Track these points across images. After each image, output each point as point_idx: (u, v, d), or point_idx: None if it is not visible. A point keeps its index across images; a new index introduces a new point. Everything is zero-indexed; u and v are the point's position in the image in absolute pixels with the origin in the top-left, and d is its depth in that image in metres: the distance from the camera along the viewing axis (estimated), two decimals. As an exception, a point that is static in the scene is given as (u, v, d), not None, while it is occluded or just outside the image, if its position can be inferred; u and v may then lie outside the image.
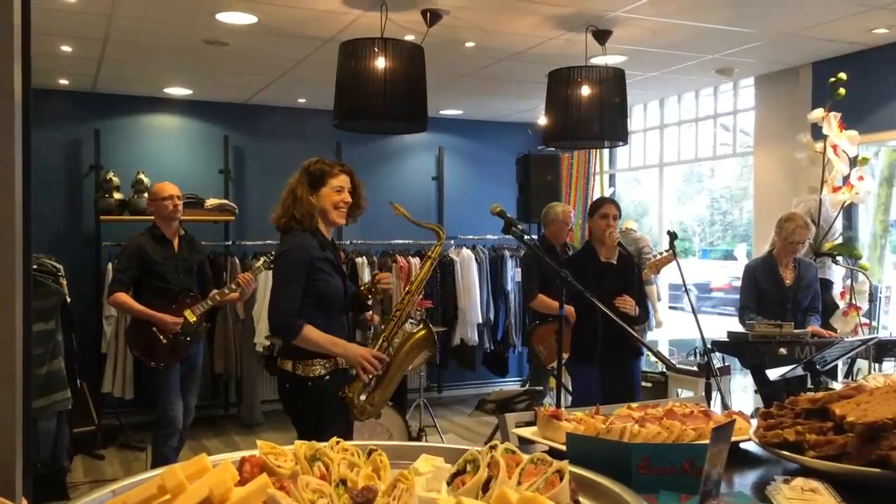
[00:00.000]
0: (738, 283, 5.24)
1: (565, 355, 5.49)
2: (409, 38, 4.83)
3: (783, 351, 4.32)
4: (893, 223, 5.99)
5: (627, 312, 4.20)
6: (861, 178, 5.20)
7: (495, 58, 5.77)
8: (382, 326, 3.25)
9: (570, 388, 4.97)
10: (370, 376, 3.10)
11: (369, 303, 3.42)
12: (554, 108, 5.14)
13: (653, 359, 6.16)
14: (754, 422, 1.73)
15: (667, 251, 5.46)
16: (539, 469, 1.14)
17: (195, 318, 4.50)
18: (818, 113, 5.22)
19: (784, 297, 4.72)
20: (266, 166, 7.47)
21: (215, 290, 4.63)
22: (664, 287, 7.57)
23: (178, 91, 6.94)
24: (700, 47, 5.52)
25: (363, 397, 3.12)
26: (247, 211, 7.35)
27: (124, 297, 4.44)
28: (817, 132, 5.31)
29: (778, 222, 4.81)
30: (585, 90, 4.97)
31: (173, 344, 4.46)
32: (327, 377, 3.07)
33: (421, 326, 3.25)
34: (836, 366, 4.52)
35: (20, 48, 0.82)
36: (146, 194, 6.55)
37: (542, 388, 5.29)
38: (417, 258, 7.34)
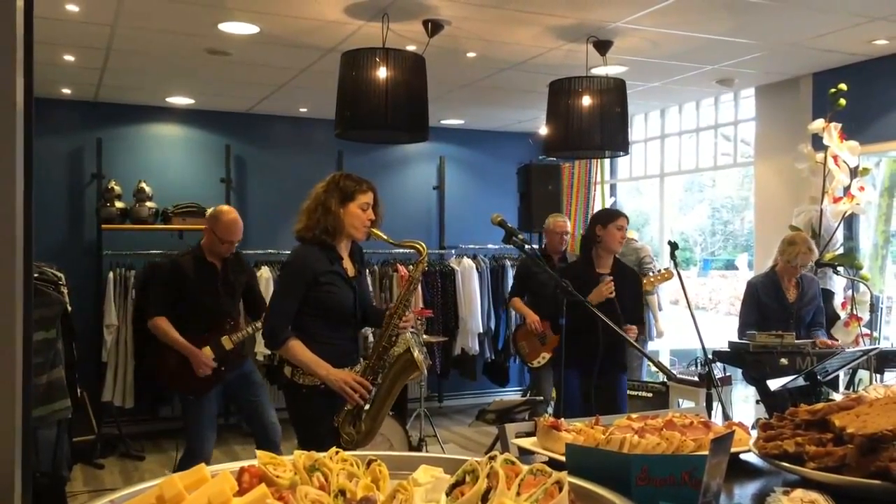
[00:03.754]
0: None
1: (546, 355, 5.59)
2: (411, 48, 4.85)
3: (784, 361, 4.31)
4: (894, 233, 5.99)
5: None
6: (862, 188, 5.21)
7: (496, 68, 5.78)
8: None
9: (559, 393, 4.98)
10: (355, 403, 3.09)
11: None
12: (555, 119, 5.16)
13: (653, 368, 6.15)
14: (755, 433, 1.73)
15: (665, 269, 5.46)
16: (538, 480, 1.14)
17: (232, 346, 4.25)
18: (819, 123, 5.23)
19: (787, 312, 4.70)
20: (267, 175, 7.49)
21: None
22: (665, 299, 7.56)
23: (180, 100, 6.96)
24: (701, 58, 5.54)
25: (352, 427, 3.11)
26: (248, 220, 7.28)
27: (164, 323, 4.17)
28: (818, 142, 5.31)
29: (781, 243, 4.77)
30: (586, 100, 4.98)
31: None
32: (323, 386, 3.09)
33: (399, 348, 3.15)
34: (838, 376, 4.51)
35: (23, 57, 0.82)
36: (148, 203, 6.58)
37: (542, 397, 5.32)
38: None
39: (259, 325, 4.29)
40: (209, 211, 4.40)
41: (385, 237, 3.20)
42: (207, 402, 4.26)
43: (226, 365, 4.26)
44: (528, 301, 5.77)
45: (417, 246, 3.24)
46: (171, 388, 4.45)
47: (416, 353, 3.10)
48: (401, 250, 7.19)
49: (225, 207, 4.42)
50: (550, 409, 5.56)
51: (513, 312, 7.85)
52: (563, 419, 1.80)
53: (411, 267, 3.55)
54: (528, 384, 6.21)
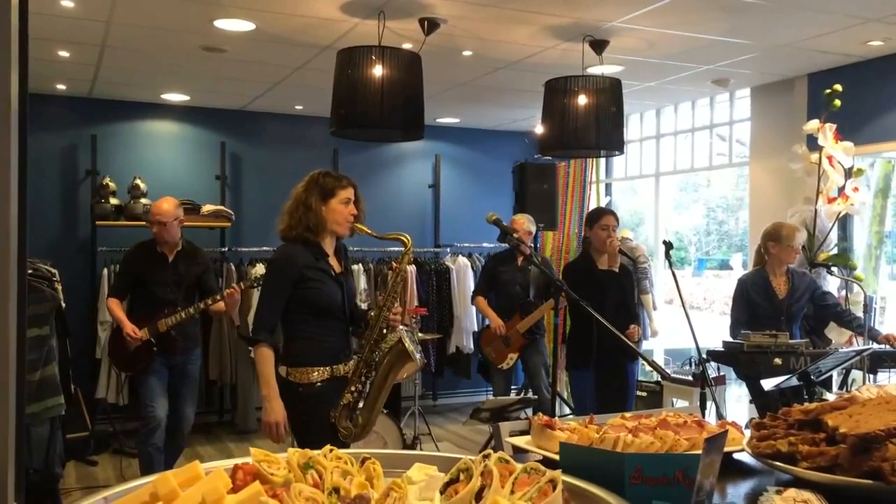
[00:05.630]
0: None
1: (514, 356, 5.62)
2: (407, 46, 4.85)
3: (778, 361, 4.32)
4: (888, 234, 6.01)
5: (631, 339, 4.35)
6: (856, 189, 5.22)
7: (492, 67, 5.78)
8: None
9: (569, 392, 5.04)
10: (352, 396, 3.11)
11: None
12: (551, 118, 5.16)
13: (648, 368, 6.17)
14: (748, 432, 1.73)
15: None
16: (532, 478, 1.14)
17: (165, 328, 4.57)
18: (814, 124, 5.24)
19: (778, 309, 4.70)
20: (262, 173, 7.48)
21: (197, 303, 4.64)
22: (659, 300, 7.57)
23: (175, 97, 6.95)
24: (696, 58, 5.55)
25: (348, 420, 3.12)
26: (243, 217, 7.35)
27: (112, 303, 4.72)
28: (813, 143, 5.33)
29: (769, 235, 4.70)
30: (582, 100, 4.98)
31: (140, 351, 4.58)
32: (319, 384, 3.10)
33: (390, 340, 3.15)
34: (831, 376, 4.52)
35: (17, 53, 0.82)
36: (143, 199, 6.57)
37: (524, 395, 5.35)
38: (414, 266, 7.34)
39: (192, 310, 4.62)
40: None
41: (369, 231, 3.22)
42: (155, 376, 4.62)
43: (158, 346, 4.61)
44: (492, 298, 5.77)
45: (402, 238, 3.25)
46: (118, 368, 5.05)
47: (407, 344, 3.10)
48: (396, 248, 7.24)
49: None
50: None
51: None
52: (556, 418, 1.81)
53: (411, 267, 3.55)
54: (522, 383, 6.21)
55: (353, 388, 3.12)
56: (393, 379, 3.20)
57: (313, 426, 3.10)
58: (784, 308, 4.70)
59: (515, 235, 3.36)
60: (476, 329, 7.63)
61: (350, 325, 3.32)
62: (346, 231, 3.23)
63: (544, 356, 5.71)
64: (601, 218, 4.62)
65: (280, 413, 3.07)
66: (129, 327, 4.53)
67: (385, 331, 3.16)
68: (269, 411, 3.07)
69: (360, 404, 3.13)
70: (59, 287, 5.01)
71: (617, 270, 4.63)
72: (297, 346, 3.16)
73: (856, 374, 4.73)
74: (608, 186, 8.51)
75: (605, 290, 4.50)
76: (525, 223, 5.71)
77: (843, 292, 5.33)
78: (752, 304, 4.74)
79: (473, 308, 7.58)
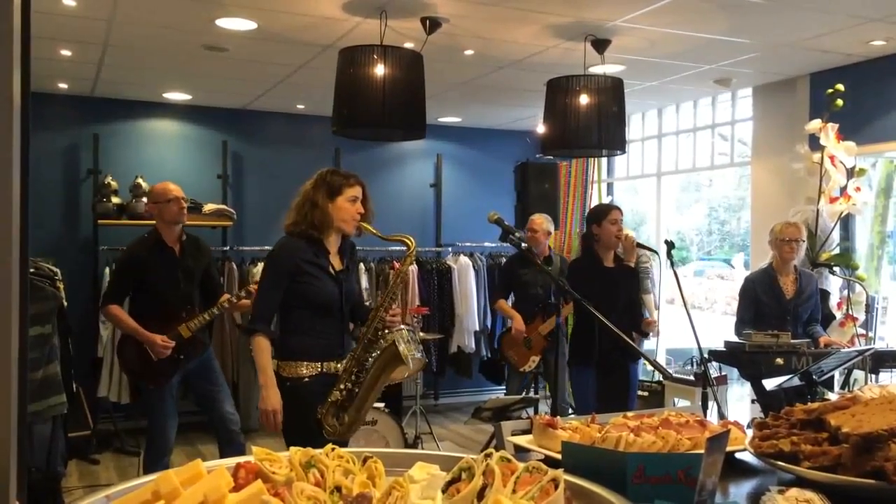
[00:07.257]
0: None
1: (536, 358, 5.62)
2: (409, 45, 4.85)
3: (780, 361, 4.32)
4: (890, 234, 6.00)
5: (649, 332, 4.40)
6: (858, 188, 5.22)
7: (494, 66, 5.78)
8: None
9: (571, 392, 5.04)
10: (341, 394, 3.11)
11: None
12: (552, 117, 5.16)
13: (649, 367, 6.17)
14: (750, 432, 1.73)
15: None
16: (534, 477, 1.14)
17: (189, 334, 4.19)
18: (816, 124, 5.24)
19: (785, 309, 4.70)
20: (264, 172, 7.48)
21: (220, 301, 4.31)
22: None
23: (177, 96, 6.95)
24: (698, 57, 5.54)
25: (335, 419, 3.12)
26: (245, 216, 7.35)
27: (117, 311, 4.17)
28: (815, 143, 5.32)
29: (770, 232, 4.82)
30: (584, 99, 4.98)
31: (165, 362, 4.16)
32: (307, 379, 3.12)
33: (386, 341, 3.12)
34: (833, 376, 4.52)
35: (20, 52, 0.82)
36: (144, 198, 6.56)
37: (527, 394, 5.35)
38: (415, 265, 7.33)
39: (216, 310, 4.29)
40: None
41: (374, 231, 3.23)
42: (168, 392, 4.22)
43: (185, 353, 4.20)
44: (511, 301, 5.77)
45: (405, 239, 3.26)
46: (131, 378, 4.44)
47: (401, 348, 3.08)
48: (398, 247, 7.24)
49: None
50: (543, 408, 5.57)
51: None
52: (559, 417, 1.81)
53: (412, 266, 3.55)
54: (524, 383, 6.21)
55: (341, 386, 3.12)
56: (385, 380, 3.19)
57: (299, 421, 3.10)
58: (791, 308, 4.70)
59: (517, 235, 3.34)
60: (477, 328, 7.63)
61: (349, 323, 3.33)
62: (353, 229, 3.24)
63: (566, 357, 5.72)
64: (610, 213, 4.56)
65: (276, 401, 3.09)
66: (159, 338, 4.07)
67: (380, 331, 3.16)
68: (266, 399, 3.10)
69: (349, 403, 3.13)
70: (61, 286, 5.02)
71: (633, 265, 4.62)
72: (289, 339, 3.18)
73: (858, 374, 4.72)
74: (610, 186, 8.50)
75: (615, 288, 4.49)
76: (544, 223, 5.71)
77: (846, 292, 5.33)
78: (758, 302, 4.74)
79: (475, 308, 7.59)
